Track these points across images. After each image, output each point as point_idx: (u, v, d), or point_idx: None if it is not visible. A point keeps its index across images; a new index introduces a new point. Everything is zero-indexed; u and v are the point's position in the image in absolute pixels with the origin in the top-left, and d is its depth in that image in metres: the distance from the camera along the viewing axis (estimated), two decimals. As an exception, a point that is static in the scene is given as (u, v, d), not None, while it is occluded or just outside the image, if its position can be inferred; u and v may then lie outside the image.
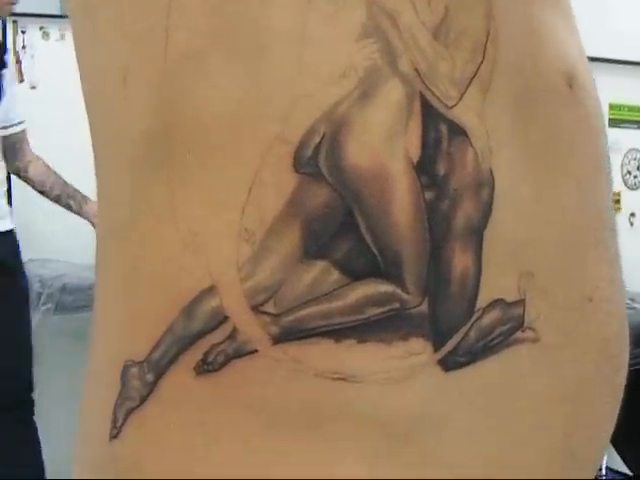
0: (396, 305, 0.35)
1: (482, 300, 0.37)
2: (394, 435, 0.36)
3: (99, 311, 0.42)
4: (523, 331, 0.38)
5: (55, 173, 2.35)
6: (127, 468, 0.38)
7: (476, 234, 0.37)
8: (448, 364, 0.36)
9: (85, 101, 0.44)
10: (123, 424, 0.38)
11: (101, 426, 0.39)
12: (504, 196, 0.37)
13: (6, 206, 2.30)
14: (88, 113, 0.44)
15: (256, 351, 0.35)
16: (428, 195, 0.36)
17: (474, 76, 0.37)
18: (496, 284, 0.37)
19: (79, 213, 2.36)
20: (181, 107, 0.37)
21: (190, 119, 0.36)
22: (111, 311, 0.41)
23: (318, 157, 0.35)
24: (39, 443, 2.24)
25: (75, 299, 2.37)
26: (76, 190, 2.36)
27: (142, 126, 0.38)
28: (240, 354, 0.36)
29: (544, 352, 0.39)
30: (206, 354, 0.36)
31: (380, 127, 0.35)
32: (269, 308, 0.35)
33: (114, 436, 0.38)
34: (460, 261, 0.36)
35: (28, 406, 2.23)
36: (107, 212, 0.42)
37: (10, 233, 2.23)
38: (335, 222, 0.35)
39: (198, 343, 0.36)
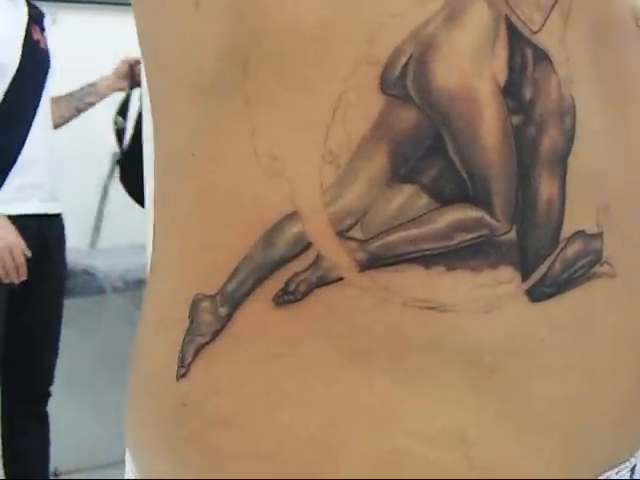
0: (485, 232, 0.34)
1: (566, 230, 0.36)
2: (479, 368, 0.35)
3: (159, 247, 0.40)
4: (601, 265, 0.38)
5: (57, 101, 2.13)
6: (196, 410, 0.36)
7: (561, 162, 0.36)
8: (535, 295, 0.35)
9: (140, 34, 0.42)
10: (192, 362, 0.36)
11: (165, 367, 0.37)
12: (581, 127, 0.37)
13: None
14: (144, 45, 0.42)
15: (341, 279, 0.34)
16: (515, 120, 0.35)
17: (555, 2, 0.36)
18: (577, 215, 0.36)
19: (99, 97, 2.18)
20: (262, 25, 0.35)
21: (273, 37, 0.35)
22: (175, 244, 0.39)
23: (405, 78, 0.34)
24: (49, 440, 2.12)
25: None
26: (80, 89, 2.19)
27: (216, 47, 0.36)
28: (324, 282, 0.34)
29: (619, 288, 0.39)
30: (287, 283, 0.34)
31: (468, 49, 0.34)
32: (356, 233, 0.34)
33: (182, 375, 0.36)
34: (546, 189, 0.35)
35: (46, 399, 2.10)
36: (169, 144, 0.40)
37: (59, 217, 2.05)
38: (423, 145, 0.34)
39: (278, 272, 0.35)
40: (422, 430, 0.35)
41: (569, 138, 0.36)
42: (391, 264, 0.34)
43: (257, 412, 0.35)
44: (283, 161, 0.35)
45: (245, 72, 0.35)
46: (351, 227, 0.34)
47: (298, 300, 0.34)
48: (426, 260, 0.34)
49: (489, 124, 0.34)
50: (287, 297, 0.34)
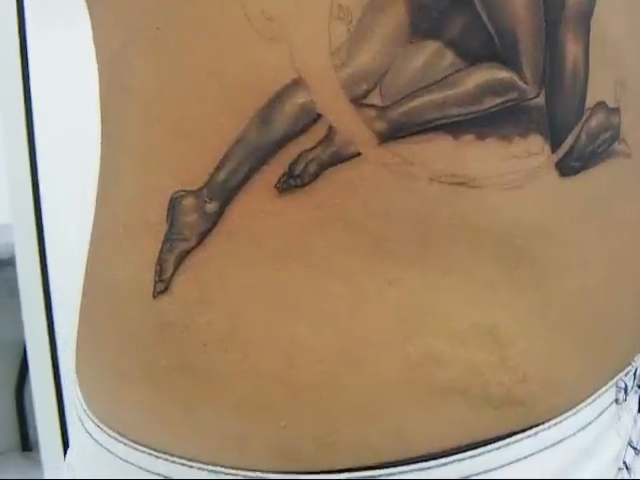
0: (514, 95, 0.30)
1: (589, 100, 0.32)
2: (509, 255, 0.31)
3: (117, 137, 0.33)
4: (619, 143, 0.35)
5: None
6: (183, 331, 0.30)
7: (585, 23, 0.32)
8: (564, 168, 0.32)
9: None
10: (174, 274, 0.30)
11: (135, 282, 0.31)
12: None
13: None
14: None
15: (359, 154, 0.29)
16: None
17: None
18: (598, 86, 0.33)
19: None
20: None
21: None
22: (135, 136, 0.32)
23: None
24: None
25: None
26: None
27: None
28: (338, 160, 0.29)
29: (634, 170, 0.36)
30: (292, 165, 0.29)
31: None
32: (373, 100, 0.29)
33: (161, 291, 0.30)
34: (572, 51, 0.32)
35: None
36: (118, 26, 0.33)
37: None
38: None
39: (280, 153, 0.29)
40: (453, 328, 0.30)
41: None
42: (415, 133, 0.29)
43: (261, 326, 0.30)
44: (280, 20, 0.29)
45: None
46: (368, 92, 0.29)
47: (307, 184, 0.29)
48: (454, 127, 0.29)
49: None
50: (293, 181, 0.29)
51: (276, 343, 0.30)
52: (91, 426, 0.35)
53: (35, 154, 1.22)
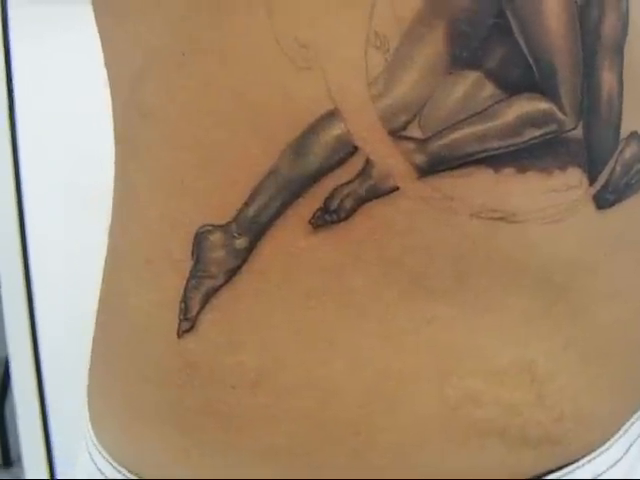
0: (554, 127, 0.29)
1: (623, 130, 0.32)
2: (548, 290, 0.30)
3: (137, 162, 0.32)
4: None
5: None
6: (210, 372, 0.29)
7: (619, 50, 0.31)
8: (600, 201, 0.31)
9: None
10: (200, 312, 0.28)
11: (157, 321, 0.29)
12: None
13: None
14: None
15: (397, 188, 0.28)
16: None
17: None
18: (631, 115, 0.32)
19: None
20: None
21: None
22: (161, 159, 0.30)
23: None
24: None
25: None
26: None
27: None
28: (376, 194, 0.28)
29: None
30: (328, 200, 0.28)
31: None
32: (412, 132, 0.28)
33: (187, 330, 0.29)
34: (607, 80, 0.31)
35: None
36: (135, 52, 0.31)
37: None
38: (485, 23, 0.28)
39: (315, 187, 0.28)
40: (491, 367, 0.29)
41: (625, 24, 0.32)
42: (455, 167, 0.28)
43: (293, 367, 0.28)
44: (314, 48, 0.27)
45: None
46: (406, 124, 0.28)
47: (342, 220, 0.28)
48: (494, 160, 0.28)
49: (553, 3, 0.29)
50: (329, 217, 0.28)
51: (310, 385, 0.28)
52: (101, 462, 0.34)
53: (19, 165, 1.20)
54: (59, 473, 1.26)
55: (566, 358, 0.31)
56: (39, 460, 1.29)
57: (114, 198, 0.34)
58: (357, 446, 0.29)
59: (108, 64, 0.34)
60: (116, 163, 0.34)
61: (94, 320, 0.36)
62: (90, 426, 0.36)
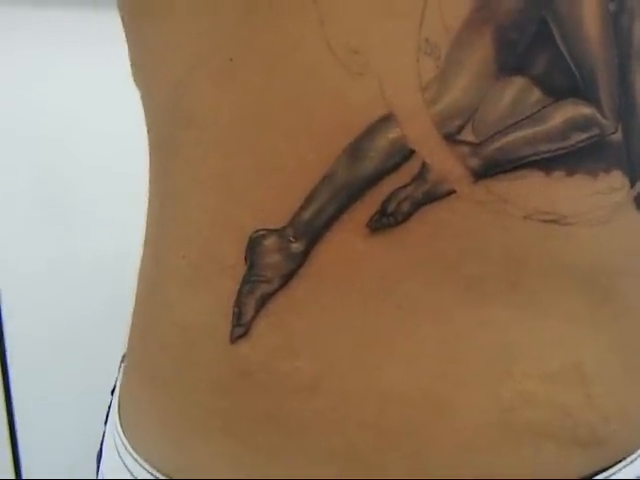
0: (597, 130, 0.30)
1: None
2: (595, 293, 0.31)
3: (186, 168, 0.31)
4: None
5: None
6: (266, 378, 0.29)
7: None
8: (639, 202, 0.32)
9: None
10: (255, 317, 0.28)
11: (209, 326, 0.29)
12: None
13: None
14: None
15: (453, 192, 0.28)
16: (611, 7, 0.31)
17: None
18: None
19: None
20: None
21: None
22: (211, 165, 0.30)
23: None
24: None
25: None
26: None
27: None
28: (432, 198, 0.28)
29: None
30: (385, 203, 0.28)
31: None
32: (466, 136, 0.28)
33: (240, 335, 0.29)
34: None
35: None
36: (181, 56, 0.31)
37: None
38: (530, 30, 0.29)
39: (372, 190, 0.28)
40: (544, 368, 0.30)
41: None
42: (508, 170, 0.28)
43: (351, 372, 0.28)
44: (367, 54, 0.28)
45: None
46: (460, 129, 0.28)
47: (400, 223, 0.28)
48: (545, 164, 0.29)
49: (590, 10, 0.30)
50: (386, 220, 0.28)
51: (367, 389, 0.28)
52: (132, 464, 0.33)
53: None
54: None
55: (610, 360, 0.31)
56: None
57: (151, 206, 0.34)
58: (414, 449, 0.29)
59: (144, 70, 0.34)
60: (153, 169, 0.34)
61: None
62: (123, 436, 0.35)
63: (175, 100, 0.32)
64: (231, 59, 0.30)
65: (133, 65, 0.35)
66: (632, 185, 0.31)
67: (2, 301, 1.22)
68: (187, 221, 0.31)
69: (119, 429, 0.36)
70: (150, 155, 0.35)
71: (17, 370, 1.24)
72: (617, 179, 0.30)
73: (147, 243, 0.35)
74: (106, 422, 0.38)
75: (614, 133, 0.30)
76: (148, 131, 0.35)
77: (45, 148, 1.19)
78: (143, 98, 0.35)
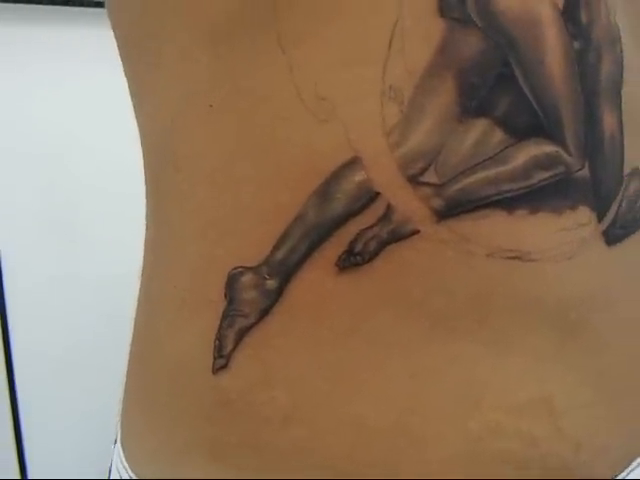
0: (561, 168, 0.31)
1: (626, 167, 0.33)
2: (563, 328, 0.32)
3: (174, 209, 0.33)
4: None
5: None
6: (245, 408, 0.30)
7: (618, 92, 0.33)
8: (610, 237, 0.32)
9: None
10: (234, 350, 0.30)
11: (193, 358, 0.31)
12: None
13: None
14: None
15: (417, 232, 0.29)
16: (575, 45, 0.32)
17: None
18: (632, 151, 0.34)
19: None
20: None
21: None
22: (196, 208, 0.32)
23: (466, 1, 0.30)
24: None
25: None
26: None
27: None
28: (397, 237, 0.29)
29: None
30: (352, 243, 0.29)
31: None
32: (429, 178, 0.29)
33: (221, 367, 0.30)
34: (608, 121, 0.33)
35: None
36: (167, 103, 0.33)
37: None
38: (492, 73, 0.30)
39: (340, 231, 0.29)
40: (511, 402, 0.31)
41: (621, 67, 0.33)
42: (471, 210, 0.29)
43: (324, 404, 0.29)
44: (334, 101, 0.29)
45: (275, 9, 0.30)
46: (423, 171, 0.29)
47: (367, 262, 0.29)
48: (508, 203, 0.30)
49: (554, 50, 0.31)
50: (354, 259, 0.29)
51: (340, 420, 0.29)
52: None
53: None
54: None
55: (583, 392, 0.32)
56: None
57: (147, 242, 0.36)
58: (385, 478, 0.30)
59: (138, 111, 0.36)
60: (148, 207, 0.35)
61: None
62: (125, 462, 0.36)
63: (163, 144, 0.33)
64: (211, 105, 0.31)
65: (132, 101, 0.37)
66: (600, 220, 0.32)
67: (8, 312, 1.23)
68: (176, 258, 0.33)
69: (120, 450, 0.37)
70: (145, 190, 0.36)
71: (22, 373, 1.26)
72: (584, 215, 0.31)
73: (144, 271, 0.36)
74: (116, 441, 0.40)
75: (580, 170, 0.31)
76: (144, 167, 0.36)
77: (47, 165, 1.21)
78: (139, 136, 0.36)
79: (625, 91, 0.33)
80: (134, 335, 0.36)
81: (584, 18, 0.32)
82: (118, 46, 0.36)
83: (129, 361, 0.36)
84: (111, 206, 1.23)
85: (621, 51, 0.34)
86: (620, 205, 0.33)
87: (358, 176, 0.29)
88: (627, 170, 0.33)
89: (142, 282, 0.36)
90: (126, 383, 0.36)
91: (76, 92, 1.19)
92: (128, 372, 0.36)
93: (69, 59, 1.18)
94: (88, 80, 1.18)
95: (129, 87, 0.36)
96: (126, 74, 0.36)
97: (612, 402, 0.33)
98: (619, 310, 0.33)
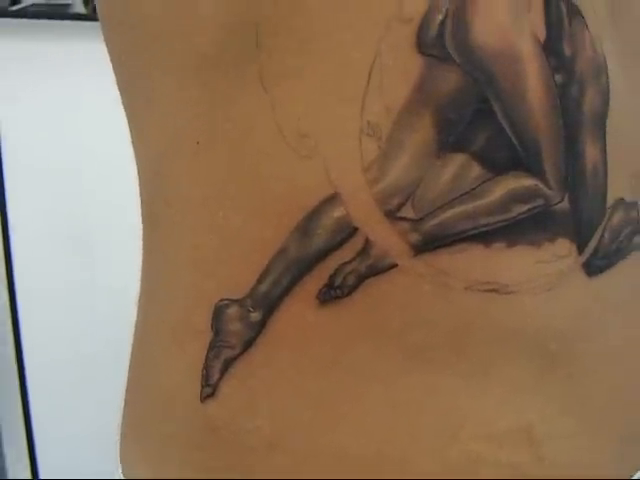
0: (540, 201, 0.31)
1: (609, 198, 0.34)
2: (543, 358, 0.32)
3: (163, 242, 0.34)
4: (638, 236, 0.36)
5: None
6: (230, 435, 0.31)
7: (601, 124, 0.33)
8: (590, 268, 0.33)
9: (104, 6, 0.36)
10: (220, 379, 0.30)
11: (183, 386, 0.32)
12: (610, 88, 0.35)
13: None
14: (110, 21, 0.36)
15: (395, 266, 0.30)
16: (557, 79, 0.32)
17: None
18: (616, 182, 0.34)
19: None
20: None
21: (289, 2, 0.30)
22: (185, 241, 0.33)
23: (444, 37, 0.30)
24: None
25: None
26: None
27: (216, 15, 0.31)
28: (375, 271, 0.30)
29: None
30: (332, 277, 0.30)
31: (505, 4, 0.31)
32: (406, 213, 0.30)
33: (208, 395, 0.31)
34: (591, 153, 0.33)
35: None
36: (158, 137, 0.34)
37: None
38: (470, 109, 0.30)
39: (320, 265, 0.30)
40: (490, 432, 0.31)
41: (605, 99, 0.34)
42: (448, 244, 0.30)
43: (305, 432, 0.30)
44: (314, 138, 0.30)
45: (258, 42, 0.30)
46: (401, 206, 0.30)
47: (346, 295, 0.30)
48: (485, 237, 0.30)
49: (534, 84, 0.31)
50: (334, 293, 0.30)
51: (321, 450, 0.30)
52: None
53: None
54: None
55: (564, 422, 0.32)
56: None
57: (142, 271, 0.36)
58: None
59: (134, 145, 0.37)
60: (143, 235, 0.36)
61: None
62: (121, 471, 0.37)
63: (155, 178, 0.34)
64: (198, 142, 0.32)
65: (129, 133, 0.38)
66: (580, 251, 0.32)
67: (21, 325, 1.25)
68: (166, 289, 0.34)
69: (119, 469, 0.38)
70: (141, 218, 0.37)
71: (34, 380, 1.27)
72: (563, 247, 0.32)
73: (140, 298, 0.37)
74: None
75: (560, 202, 0.31)
76: (139, 195, 0.37)
77: (64, 178, 1.23)
78: (137, 170, 0.37)
79: (610, 122, 0.34)
80: (130, 362, 0.37)
81: (567, 51, 0.32)
82: (115, 77, 0.37)
83: (126, 388, 0.37)
84: (125, 218, 1.24)
85: (607, 81, 0.34)
86: (602, 236, 0.33)
87: (337, 212, 0.29)
88: (611, 201, 0.34)
89: (138, 309, 0.36)
90: (123, 409, 0.37)
91: (93, 107, 1.21)
92: (125, 398, 0.37)
93: (85, 73, 1.20)
94: (105, 95, 1.20)
95: (126, 119, 0.37)
96: (123, 105, 0.37)
97: (595, 432, 0.33)
98: (602, 339, 0.33)
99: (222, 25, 0.31)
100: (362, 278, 0.30)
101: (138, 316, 0.36)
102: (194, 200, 0.32)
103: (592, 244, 0.32)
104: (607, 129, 0.34)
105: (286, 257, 0.30)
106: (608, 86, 0.34)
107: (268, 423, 0.30)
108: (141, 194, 0.36)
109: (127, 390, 0.37)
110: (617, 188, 0.34)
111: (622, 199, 0.34)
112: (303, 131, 0.30)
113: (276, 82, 0.30)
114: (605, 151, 0.33)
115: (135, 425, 0.36)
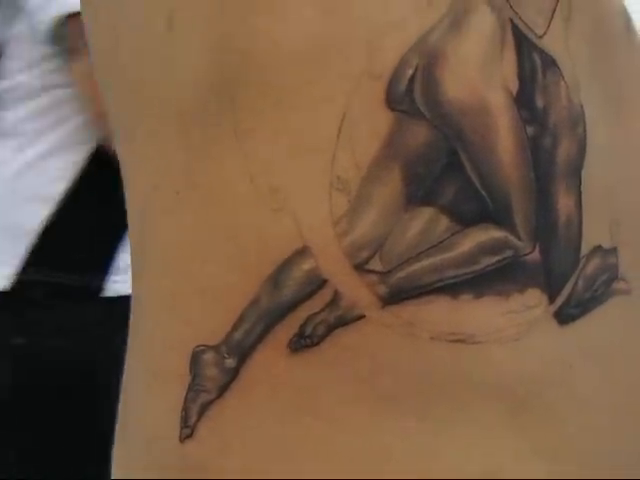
0: (510, 253, 0.32)
1: (585, 246, 0.34)
2: (512, 402, 0.32)
3: (146, 290, 0.36)
4: (617, 282, 0.36)
5: None
6: (203, 472, 0.32)
7: (576, 175, 0.34)
8: (562, 317, 0.33)
9: (98, 63, 0.38)
10: (198, 421, 0.32)
11: (165, 427, 0.33)
12: (588, 138, 0.35)
13: None
14: (102, 73, 0.37)
15: (363, 317, 0.31)
16: (529, 131, 0.32)
17: (557, 4, 0.34)
18: (593, 230, 0.34)
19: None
20: (249, 47, 0.32)
21: (261, 60, 0.31)
22: (165, 288, 0.34)
23: (413, 92, 0.31)
24: None
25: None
26: None
27: (195, 75, 0.33)
28: (344, 322, 0.31)
29: (635, 304, 0.37)
30: (303, 327, 0.31)
31: (476, 57, 0.32)
32: (374, 266, 0.31)
33: (187, 436, 0.32)
34: (564, 204, 0.33)
35: None
36: (144, 182, 0.36)
37: None
38: (438, 163, 0.31)
39: (291, 315, 0.31)
40: (462, 474, 0.32)
41: (582, 149, 0.34)
42: (415, 296, 0.31)
43: (277, 474, 0.31)
44: (285, 192, 0.31)
45: (233, 100, 0.32)
46: (369, 259, 0.31)
47: (316, 344, 0.31)
48: (452, 288, 0.31)
49: (505, 137, 0.32)
50: (304, 342, 0.31)
51: None
52: None
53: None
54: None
55: (535, 462, 0.33)
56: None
57: (131, 314, 0.38)
58: None
59: (127, 197, 0.38)
60: (132, 286, 0.38)
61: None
62: None
63: (140, 228, 0.36)
64: (177, 192, 0.33)
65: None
66: (552, 301, 0.33)
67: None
68: (148, 334, 0.36)
69: None
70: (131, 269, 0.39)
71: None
72: (533, 297, 0.32)
73: (129, 339, 0.38)
74: None
75: (530, 253, 0.32)
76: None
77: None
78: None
79: (588, 170, 0.34)
80: (120, 402, 0.38)
81: (540, 102, 0.33)
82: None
83: (116, 428, 0.39)
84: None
85: (584, 130, 0.34)
86: (576, 284, 0.33)
87: (307, 264, 0.31)
88: (586, 250, 0.34)
89: (127, 351, 0.38)
90: (114, 448, 0.39)
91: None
92: (115, 438, 0.38)
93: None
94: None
95: (122, 170, 0.39)
96: (116, 149, 0.39)
97: (567, 473, 0.33)
98: (576, 386, 0.34)
99: (199, 84, 0.32)
100: (331, 328, 0.31)
101: (127, 359, 0.38)
102: (171, 248, 0.34)
103: (564, 293, 0.33)
104: (585, 177, 0.34)
105: (259, 307, 0.31)
106: (585, 135, 0.34)
107: (240, 466, 0.32)
108: (130, 241, 0.38)
109: (116, 432, 0.39)
110: (594, 236, 0.34)
111: (599, 246, 0.34)
112: (274, 184, 0.31)
113: (247, 134, 0.32)
114: (580, 202, 0.33)
115: (122, 466, 0.38)
